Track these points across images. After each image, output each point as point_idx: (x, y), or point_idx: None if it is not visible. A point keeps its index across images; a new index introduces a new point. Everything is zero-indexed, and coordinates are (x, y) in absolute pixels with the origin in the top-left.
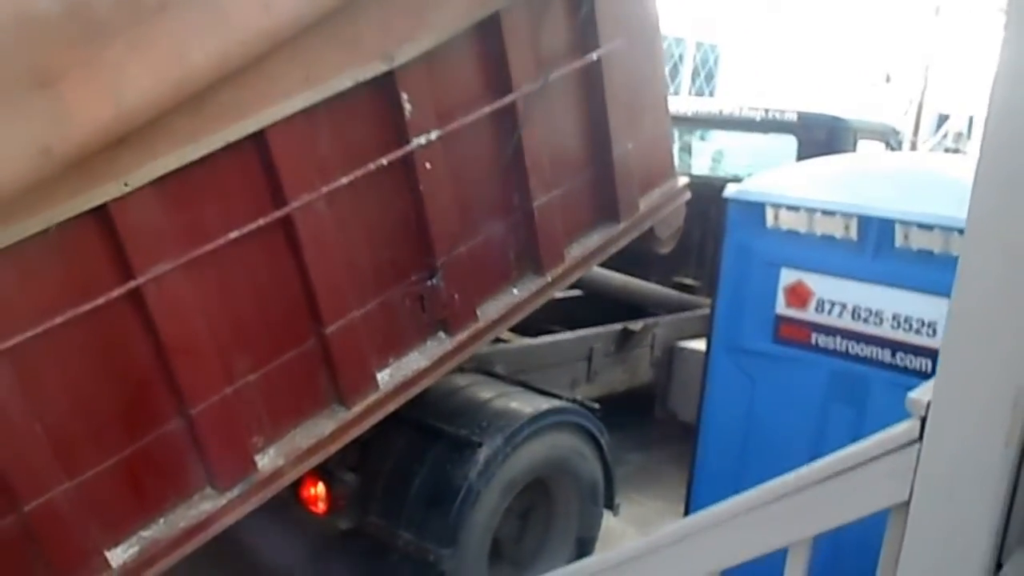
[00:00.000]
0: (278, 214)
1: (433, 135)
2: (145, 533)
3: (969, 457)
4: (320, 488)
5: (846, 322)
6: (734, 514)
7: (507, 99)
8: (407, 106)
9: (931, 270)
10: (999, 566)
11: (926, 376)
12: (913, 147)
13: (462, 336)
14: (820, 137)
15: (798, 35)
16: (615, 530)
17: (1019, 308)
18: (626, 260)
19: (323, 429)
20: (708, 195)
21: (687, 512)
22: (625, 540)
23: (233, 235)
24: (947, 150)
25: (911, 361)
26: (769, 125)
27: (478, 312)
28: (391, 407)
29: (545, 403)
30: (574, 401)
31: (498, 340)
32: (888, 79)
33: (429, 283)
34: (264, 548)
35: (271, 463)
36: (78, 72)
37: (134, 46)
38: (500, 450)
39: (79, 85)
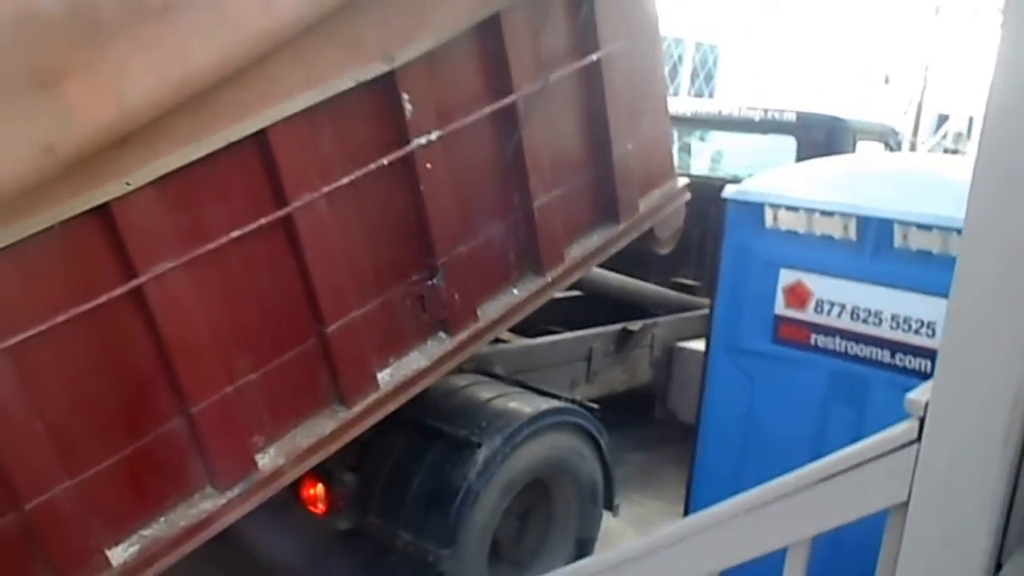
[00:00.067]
0: (279, 214)
1: (434, 135)
2: (146, 532)
3: (968, 457)
4: (319, 488)
5: (845, 322)
6: (733, 514)
7: (507, 100)
8: (408, 106)
9: (930, 270)
10: (999, 566)
11: (925, 376)
12: (912, 148)
13: (462, 336)
14: (819, 138)
15: (797, 35)
16: (614, 530)
17: (1017, 308)
18: (625, 260)
19: (324, 428)
20: (707, 195)
21: (686, 512)
22: (624, 540)
23: (234, 234)
24: (946, 150)
25: (910, 361)
26: (768, 126)
27: (478, 312)
28: (391, 407)
29: (544, 403)
30: (573, 401)
31: (498, 340)
32: (887, 80)
33: (430, 283)
34: (264, 548)
35: (271, 462)
36: (80, 72)
37: (136, 46)
38: (499, 450)
39: (81, 85)
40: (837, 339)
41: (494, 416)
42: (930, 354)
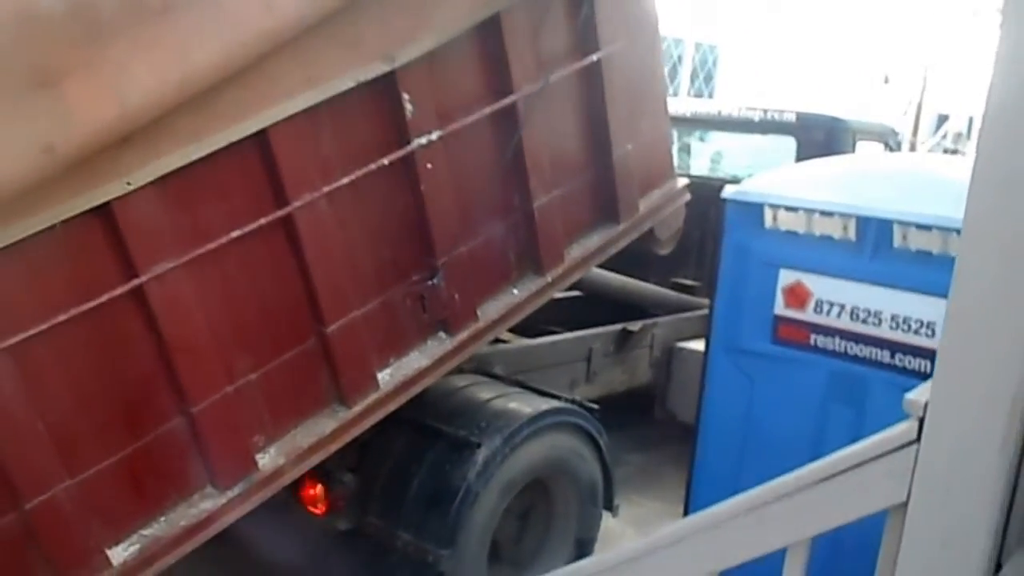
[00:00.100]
0: (280, 213)
1: (434, 135)
2: (146, 531)
3: (967, 458)
4: (319, 489)
5: (845, 323)
6: (733, 515)
7: (508, 100)
8: (408, 106)
9: (929, 271)
10: (999, 567)
11: (925, 377)
12: (912, 148)
13: (462, 336)
14: (819, 138)
15: (797, 36)
16: (614, 531)
17: (1016, 308)
18: (625, 261)
19: (324, 428)
20: (707, 196)
21: (686, 513)
22: (624, 541)
23: (235, 234)
24: (946, 151)
25: (910, 362)
26: (768, 126)
27: (478, 312)
28: (392, 406)
29: (544, 404)
30: (573, 402)
31: (497, 341)
32: (887, 80)
33: (430, 283)
34: (263, 549)
35: (272, 462)
36: (81, 72)
37: (137, 46)
38: (499, 451)
39: (82, 84)
40: (837, 339)
41: (494, 416)
42: (930, 354)
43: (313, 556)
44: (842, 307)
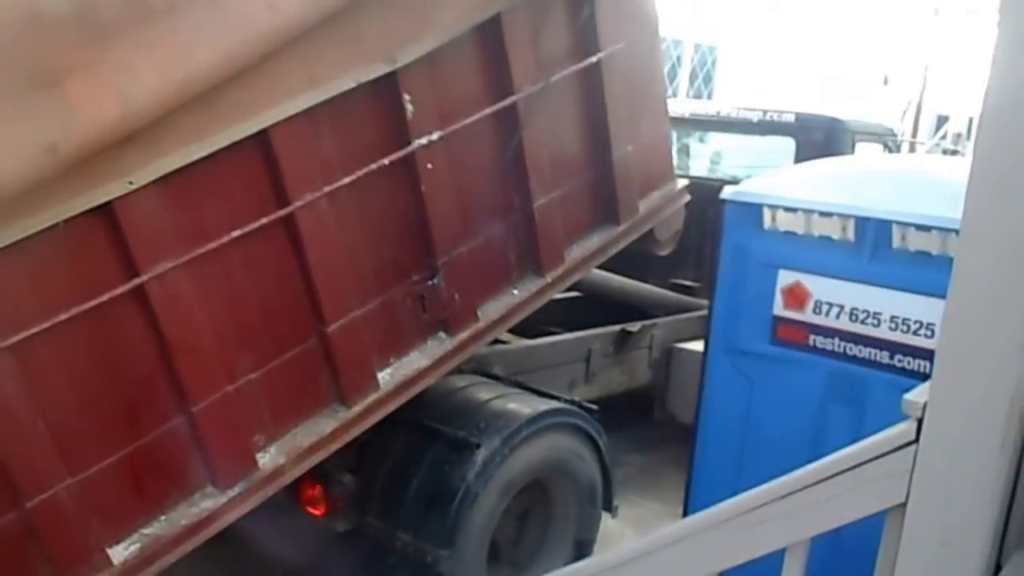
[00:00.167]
0: (281, 213)
1: (435, 136)
2: (146, 530)
3: (966, 458)
4: (318, 489)
5: (844, 323)
6: (732, 515)
7: (508, 101)
8: (409, 107)
9: (929, 271)
10: (998, 567)
11: (924, 377)
12: (912, 149)
13: (463, 336)
14: (818, 139)
15: (796, 37)
16: (614, 532)
17: (1014, 309)
18: (625, 261)
19: (324, 428)
20: (707, 196)
21: (685, 514)
22: (623, 542)
23: (236, 234)
24: (945, 151)
25: (909, 362)
26: (767, 127)
27: (478, 312)
28: (392, 406)
29: (543, 404)
30: (572, 402)
31: (497, 341)
32: (886, 81)
33: (430, 283)
34: (263, 549)
35: (272, 461)
36: (84, 71)
37: (140, 46)
38: (498, 451)
39: (85, 84)
40: (836, 340)
41: (493, 417)
42: (929, 355)
43: (312, 557)
44: (841, 308)
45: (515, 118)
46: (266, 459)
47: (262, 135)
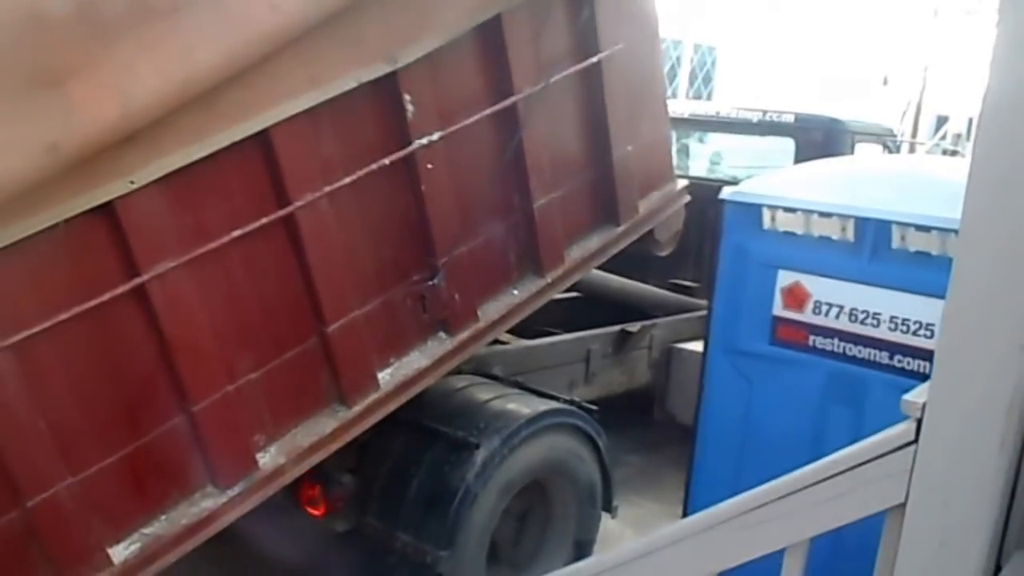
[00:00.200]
0: (281, 213)
1: (435, 136)
2: (147, 530)
3: (965, 459)
4: (318, 490)
5: (843, 324)
6: (731, 516)
7: (508, 101)
8: (409, 107)
9: (928, 272)
10: (998, 568)
11: (924, 378)
12: (912, 149)
13: (463, 336)
14: (818, 139)
15: (796, 37)
16: (613, 532)
17: (1013, 309)
18: (624, 262)
19: (324, 428)
20: (706, 197)
21: (685, 514)
22: (623, 542)
23: (236, 234)
24: (944, 152)
25: (908, 363)
26: (767, 127)
27: (479, 312)
28: (392, 406)
29: (543, 405)
30: (572, 403)
31: (496, 342)
32: (886, 81)
33: (430, 283)
34: (262, 550)
35: (272, 461)
36: (85, 71)
37: (142, 46)
38: (498, 452)
39: (86, 84)
40: (835, 340)
41: (492, 417)
42: (928, 355)
43: (312, 557)
44: (841, 308)
45: (515, 118)
46: (266, 459)
47: (263, 135)
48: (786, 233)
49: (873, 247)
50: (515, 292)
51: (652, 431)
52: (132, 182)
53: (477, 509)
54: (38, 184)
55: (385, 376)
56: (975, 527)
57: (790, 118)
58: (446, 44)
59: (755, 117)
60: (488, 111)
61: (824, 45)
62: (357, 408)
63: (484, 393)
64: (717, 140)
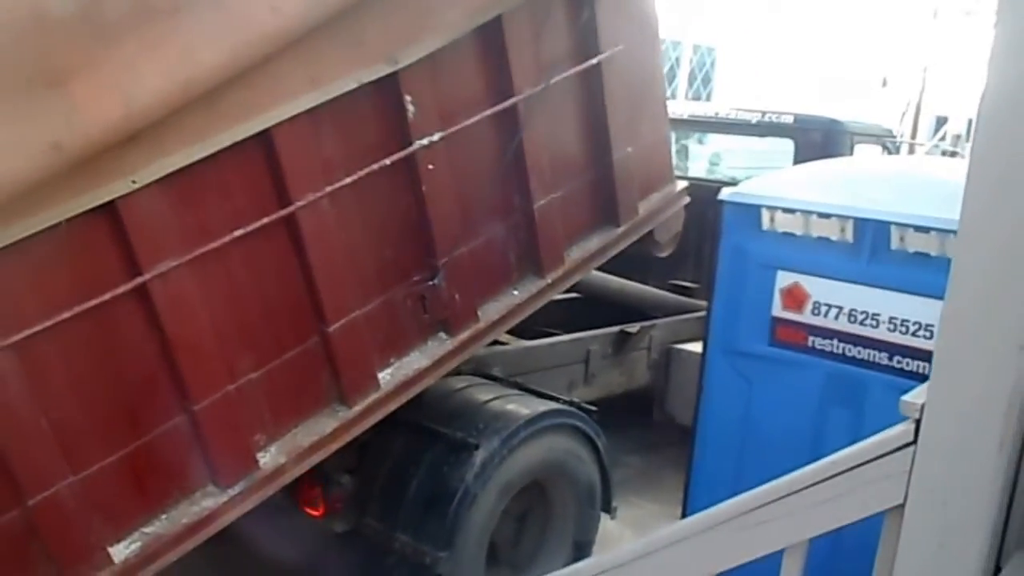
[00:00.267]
0: (282, 213)
1: (436, 136)
2: (147, 529)
3: (964, 459)
4: (317, 490)
5: (842, 324)
6: (730, 517)
7: (509, 102)
8: (410, 108)
9: (927, 272)
10: (998, 569)
11: (923, 378)
12: (911, 150)
13: (463, 336)
14: (817, 140)
15: (795, 38)
16: (612, 533)
17: (1012, 309)
18: (624, 262)
19: (324, 427)
20: (705, 198)
21: (684, 515)
22: (622, 543)
23: (238, 233)
24: (944, 152)
25: (908, 364)
26: (766, 128)
27: (479, 313)
28: (392, 406)
29: (542, 405)
30: (571, 403)
31: (496, 342)
32: (885, 82)
33: (431, 283)
34: (262, 550)
35: (272, 461)
36: (88, 71)
37: (144, 46)
38: (497, 452)
39: (89, 84)
40: (834, 341)
41: (492, 418)
42: (927, 356)
43: (311, 558)
44: (840, 309)
45: (516, 119)
46: (267, 458)
47: (264, 135)
48: (785, 234)
49: (872, 248)
50: (515, 292)
51: (651, 432)
52: (134, 181)
53: (476, 510)
54: (41, 183)
55: (385, 376)
56: (974, 528)
57: (789, 119)
58: (447, 45)
59: (754, 118)
60: (489, 112)
61: (823, 46)
62: (357, 408)
63: (483, 394)
64: (716, 141)
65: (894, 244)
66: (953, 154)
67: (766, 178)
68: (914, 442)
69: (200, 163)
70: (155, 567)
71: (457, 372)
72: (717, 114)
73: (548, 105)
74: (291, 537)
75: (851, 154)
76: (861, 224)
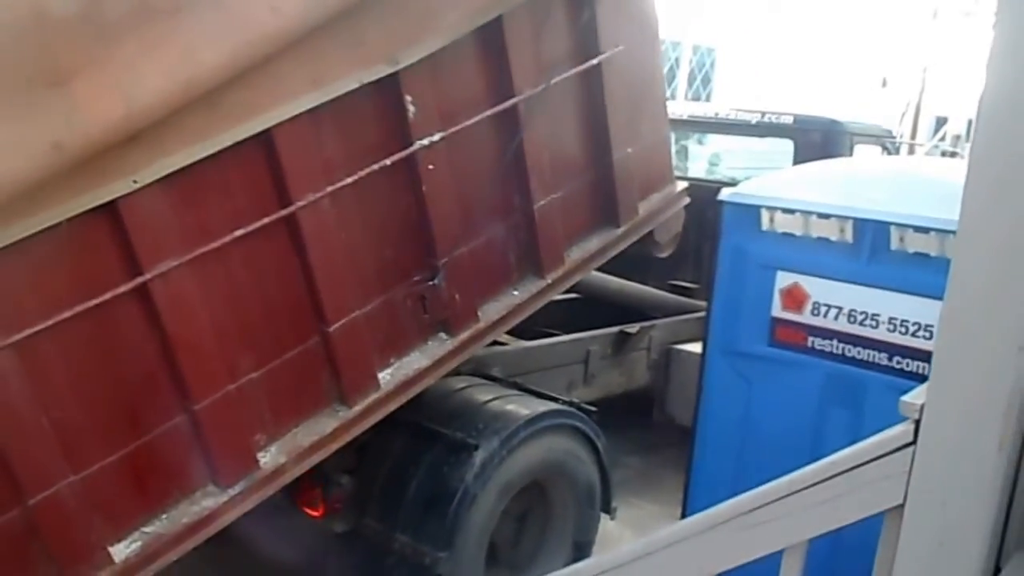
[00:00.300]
0: (283, 213)
1: (436, 137)
2: (147, 528)
3: (963, 460)
4: (317, 491)
5: (842, 325)
6: (729, 517)
7: (509, 102)
8: (411, 108)
9: (927, 273)
10: (997, 569)
11: (923, 379)
12: (911, 150)
13: (463, 336)
14: (816, 140)
15: (795, 39)
16: (612, 533)
17: (1011, 310)
18: (623, 263)
19: (324, 427)
20: (705, 198)
21: (684, 515)
22: (622, 543)
23: (239, 233)
24: (944, 153)
25: (907, 364)
26: (765, 129)
27: (479, 313)
28: (392, 406)
29: (542, 406)
30: (571, 404)
31: (495, 343)
32: (885, 83)
33: (431, 283)
34: (261, 551)
35: (273, 461)
36: (89, 71)
37: (145, 46)
38: (496, 453)
39: (90, 83)
40: (834, 342)
41: (491, 418)
42: (927, 357)
43: (310, 558)
44: (839, 309)
45: (516, 120)
46: (267, 458)
47: (265, 135)
48: (785, 234)
49: (872, 248)
50: (515, 293)
51: (651, 432)
52: (135, 181)
53: (476, 510)
54: (41, 183)
55: (386, 376)
56: (974, 528)
57: (789, 119)
58: (447, 45)
59: (754, 118)
60: (489, 112)
61: (823, 46)
62: (358, 408)
63: (483, 394)
64: (716, 141)
65: (894, 244)
66: (953, 154)
67: (766, 178)
68: (913, 442)
69: (201, 163)
70: (155, 566)
71: (457, 372)
72: (717, 114)
73: (548, 105)
74: (291, 538)
75: (851, 154)
76: (861, 224)
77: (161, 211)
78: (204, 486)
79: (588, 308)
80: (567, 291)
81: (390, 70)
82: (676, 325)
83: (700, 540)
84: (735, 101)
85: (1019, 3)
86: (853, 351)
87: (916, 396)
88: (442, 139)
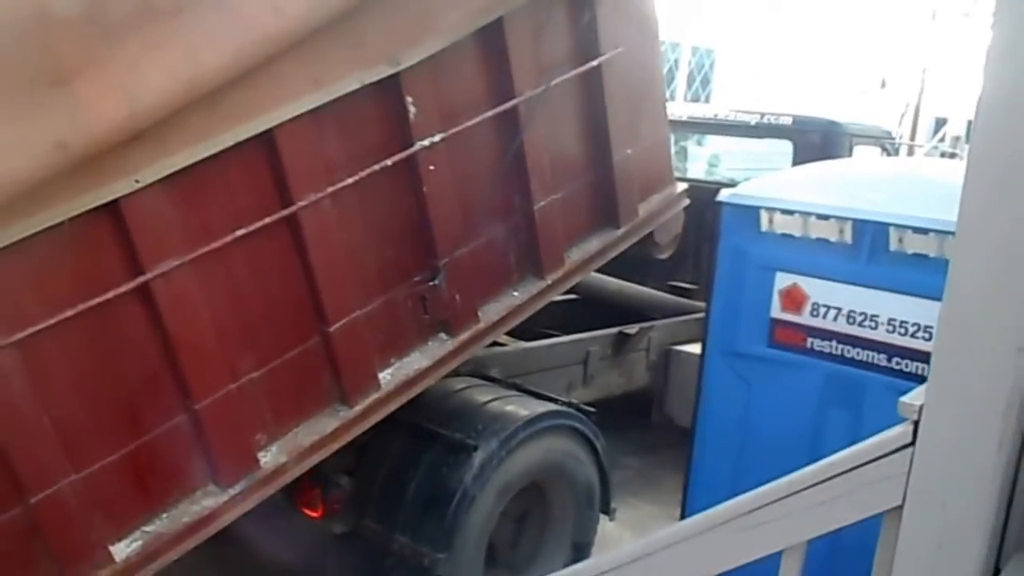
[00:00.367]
0: (284, 213)
1: (437, 138)
2: (148, 528)
3: (963, 461)
4: (316, 492)
5: (841, 326)
6: (728, 518)
7: (509, 104)
8: (411, 109)
9: (926, 274)
10: (997, 570)
11: (922, 380)
12: (910, 151)
13: (463, 337)
14: (815, 142)
15: (794, 40)
16: (611, 534)
17: (1010, 310)
18: (623, 263)
19: (325, 427)
20: (704, 199)
21: (683, 516)
22: (621, 544)
23: (240, 233)
24: (943, 154)
25: (906, 365)
26: (765, 130)
27: (479, 313)
28: (392, 406)
29: (541, 407)
30: (570, 405)
31: (495, 343)
32: (884, 84)
33: (431, 284)
34: (260, 552)
35: (273, 460)
36: (92, 70)
37: (148, 46)
38: (495, 454)
39: (93, 83)
40: (833, 343)
41: (490, 419)
42: (926, 357)
43: (309, 559)
44: (838, 310)
45: (516, 121)
46: (267, 458)
47: (267, 135)
48: (784, 235)
49: (871, 249)
50: (515, 293)
51: (650, 433)
52: (137, 181)
53: (475, 511)
54: (44, 182)
55: (386, 376)
56: (973, 529)
57: (788, 120)
58: (448, 47)
59: (753, 119)
60: (489, 113)
61: (822, 47)
62: (358, 408)
63: (482, 395)
64: (715, 143)
65: (893, 245)
66: (952, 155)
67: (765, 180)
68: (912, 443)
69: (203, 163)
70: (156, 566)
71: (456, 373)
72: (716, 116)
73: (548, 107)
74: (290, 538)
75: (850, 155)
76: (860, 225)
77: (163, 211)
78: (205, 485)
79: (587, 309)
80: (566, 292)
81: (391, 71)
82: (675, 326)
83: (699, 541)
84: (734, 102)
85: (1018, 3)
86: (852, 352)
87: (915, 397)
88: (443, 140)
